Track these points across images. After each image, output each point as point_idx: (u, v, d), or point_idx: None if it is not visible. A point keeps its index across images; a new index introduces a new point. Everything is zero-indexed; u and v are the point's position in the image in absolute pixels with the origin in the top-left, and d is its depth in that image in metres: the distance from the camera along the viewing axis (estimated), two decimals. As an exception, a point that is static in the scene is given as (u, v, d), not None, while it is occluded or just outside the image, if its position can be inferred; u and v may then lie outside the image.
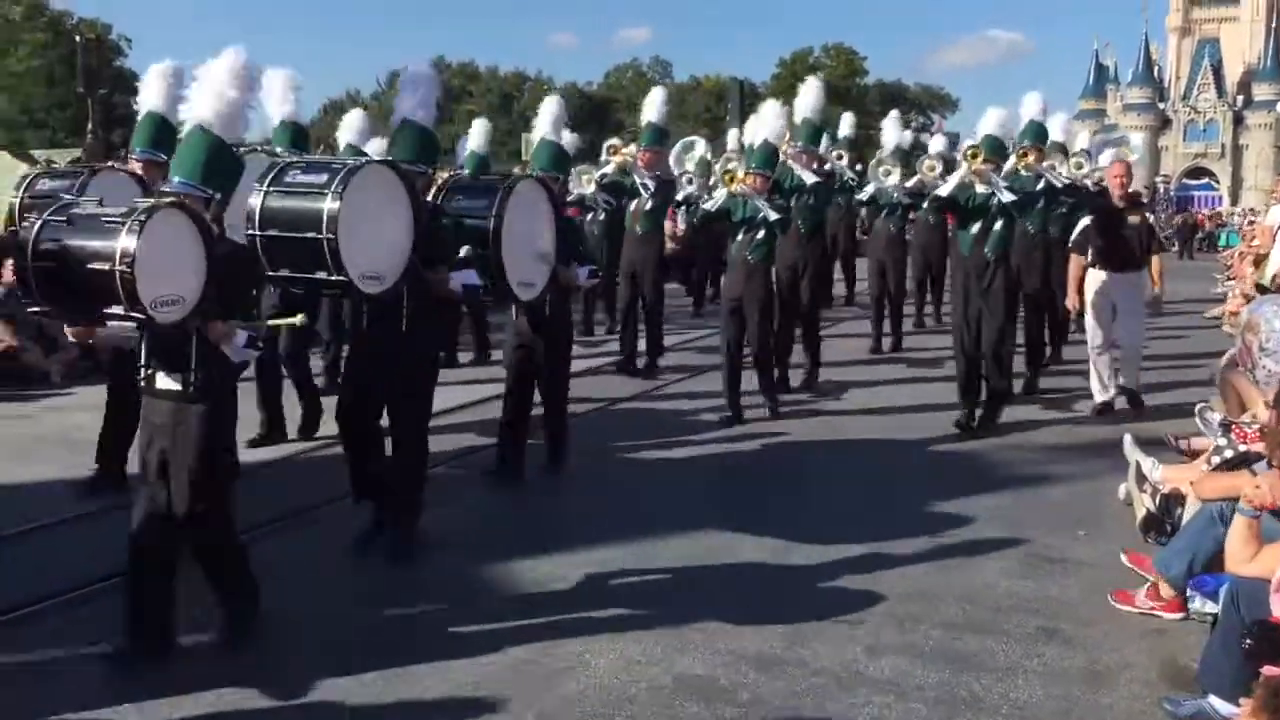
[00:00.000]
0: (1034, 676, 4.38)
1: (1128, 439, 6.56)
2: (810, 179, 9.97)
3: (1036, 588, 5.30)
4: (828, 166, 12.23)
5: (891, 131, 14.44)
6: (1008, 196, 8.18)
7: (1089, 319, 9.17)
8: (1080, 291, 9.20)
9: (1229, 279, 16.80)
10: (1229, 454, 5.86)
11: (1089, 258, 9.17)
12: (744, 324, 8.64)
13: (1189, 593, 4.84)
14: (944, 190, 8.55)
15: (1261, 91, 62.05)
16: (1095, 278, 9.11)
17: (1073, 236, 9.72)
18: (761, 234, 8.48)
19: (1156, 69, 65.69)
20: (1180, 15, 66.22)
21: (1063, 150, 11.39)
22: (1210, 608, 4.60)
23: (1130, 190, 9.35)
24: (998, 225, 8.21)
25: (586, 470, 7.32)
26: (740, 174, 8.68)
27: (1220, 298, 15.83)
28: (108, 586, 4.92)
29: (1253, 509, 4.21)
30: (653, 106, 11.77)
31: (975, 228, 8.28)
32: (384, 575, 5.41)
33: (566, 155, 7.68)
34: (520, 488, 6.92)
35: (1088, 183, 11.25)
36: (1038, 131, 9.82)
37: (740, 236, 8.62)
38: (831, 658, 4.50)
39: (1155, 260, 9.19)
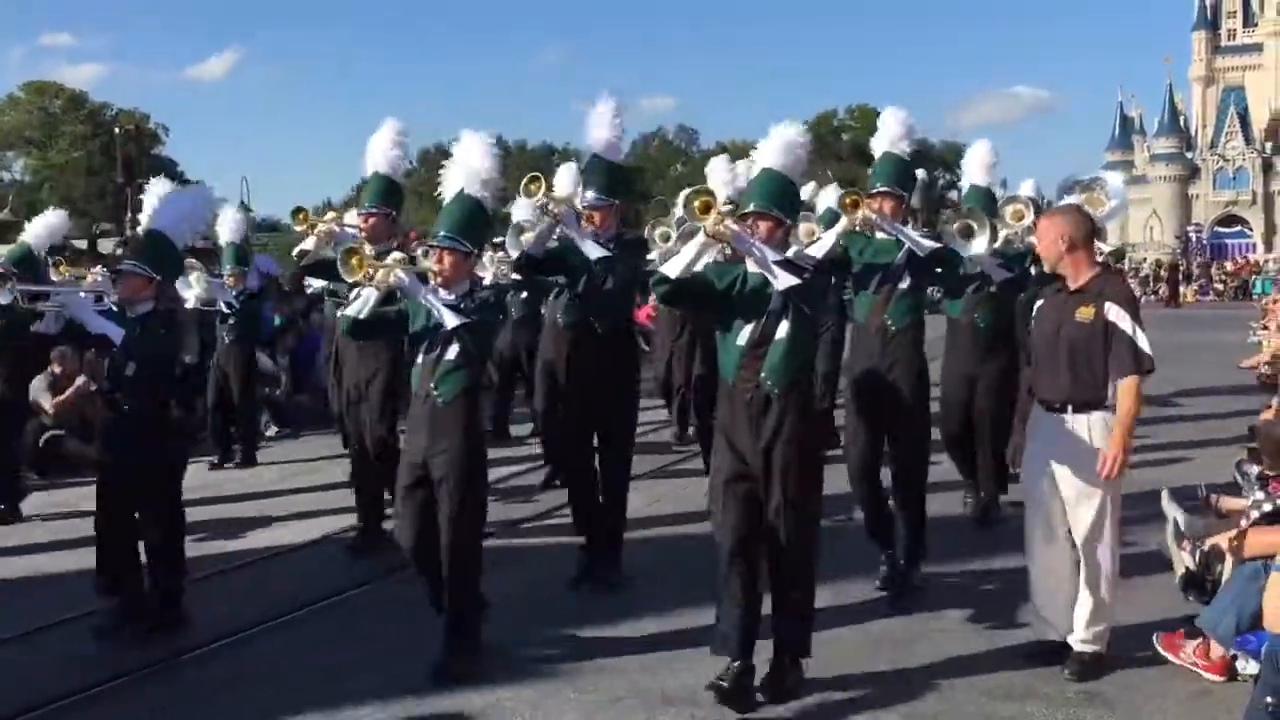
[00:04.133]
0: (1076, 742, 4.31)
1: (1165, 494, 6.48)
2: (595, 252, 6.28)
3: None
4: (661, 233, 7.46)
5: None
6: (784, 281, 4.56)
7: (1024, 493, 5.37)
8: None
9: (1264, 326, 16.66)
10: (1268, 508, 5.80)
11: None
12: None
13: (1232, 652, 4.78)
14: (673, 268, 4.74)
15: (1289, 137, 62.01)
16: (1034, 417, 5.20)
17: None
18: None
19: (1182, 118, 65.84)
20: (1203, 64, 66.45)
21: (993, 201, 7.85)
22: (1255, 667, 4.53)
23: (1081, 258, 4.98)
24: (782, 332, 4.65)
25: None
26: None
27: (1255, 346, 15.72)
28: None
29: (1291, 566, 4.14)
30: (379, 151, 7.29)
31: (743, 335, 4.69)
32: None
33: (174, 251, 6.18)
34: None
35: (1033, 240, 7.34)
36: (891, 169, 6.24)
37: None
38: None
39: (1126, 388, 4.80)
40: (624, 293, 6.66)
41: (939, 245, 5.99)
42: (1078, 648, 4.95)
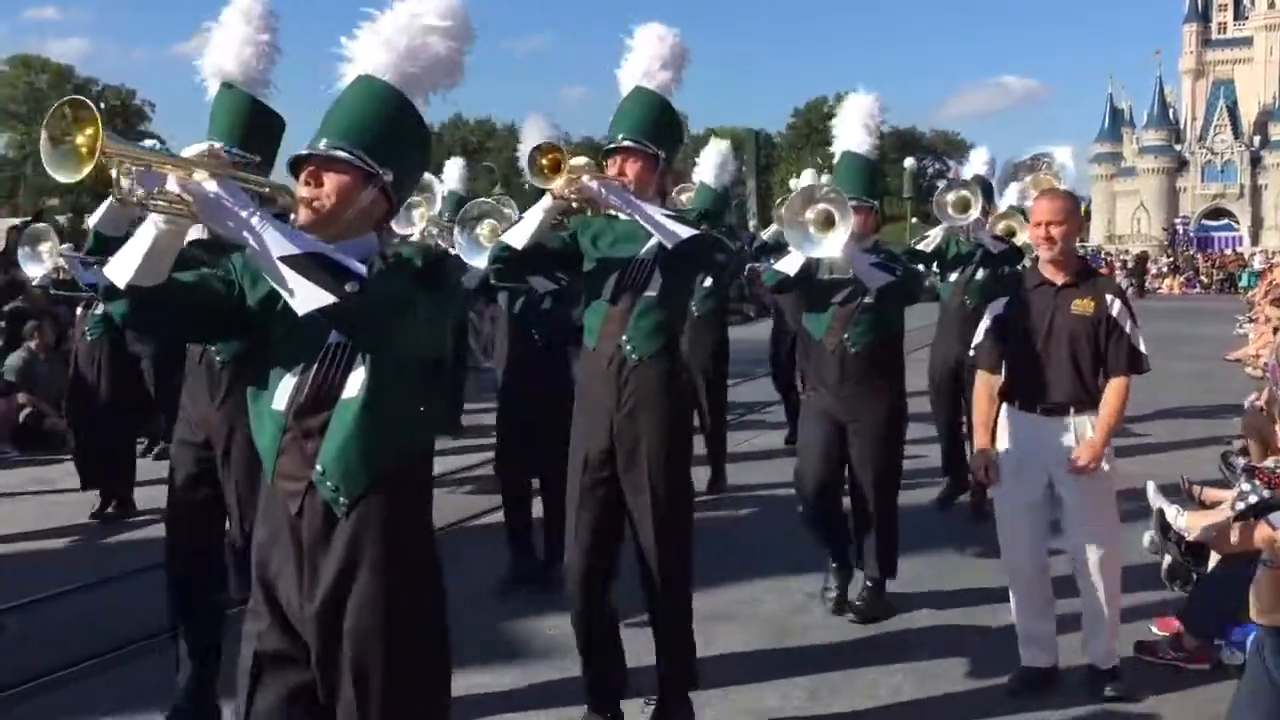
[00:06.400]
0: (1060, 731, 4.29)
1: (1151, 486, 6.48)
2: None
3: (1061, 638, 5.20)
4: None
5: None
6: (305, 300, 2.37)
7: (997, 507, 4.80)
8: (991, 440, 4.65)
9: (1250, 319, 16.73)
10: (1253, 499, 5.79)
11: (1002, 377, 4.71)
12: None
13: (1217, 642, 4.78)
14: (119, 270, 2.46)
15: (1278, 132, 62.44)
16: (1008, 424, 4.68)
17: (977, 335, 4.80)
18: None
19: (1172, 111, 66.21)
20: (1194, 58, 66.80)
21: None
22: (1240, 658, 4.53)
23: (1071, 247, 4.62)
24: (351, 390, 2.54)
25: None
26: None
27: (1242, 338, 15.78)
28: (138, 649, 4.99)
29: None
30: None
31: (281, 393, 2.64)
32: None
33: None
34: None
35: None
36: (638, 115, 4.19)
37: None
38: (854, 711, 4.43)
39: (1113, 389, 4.50)
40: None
41: (696, 233, 3.91)
42: (1104, 667, 4.62)
